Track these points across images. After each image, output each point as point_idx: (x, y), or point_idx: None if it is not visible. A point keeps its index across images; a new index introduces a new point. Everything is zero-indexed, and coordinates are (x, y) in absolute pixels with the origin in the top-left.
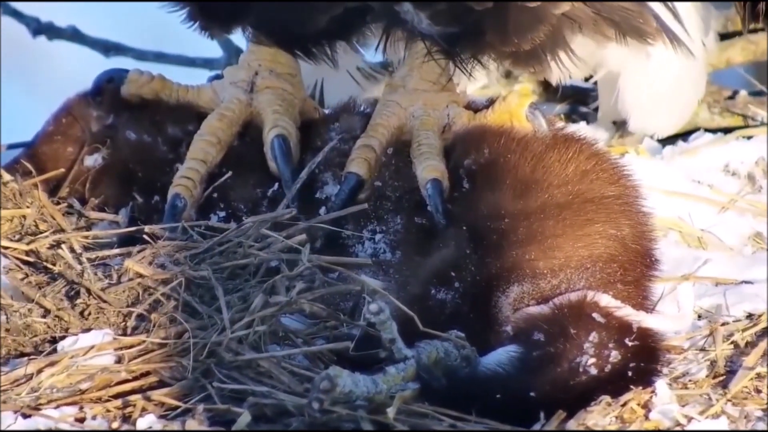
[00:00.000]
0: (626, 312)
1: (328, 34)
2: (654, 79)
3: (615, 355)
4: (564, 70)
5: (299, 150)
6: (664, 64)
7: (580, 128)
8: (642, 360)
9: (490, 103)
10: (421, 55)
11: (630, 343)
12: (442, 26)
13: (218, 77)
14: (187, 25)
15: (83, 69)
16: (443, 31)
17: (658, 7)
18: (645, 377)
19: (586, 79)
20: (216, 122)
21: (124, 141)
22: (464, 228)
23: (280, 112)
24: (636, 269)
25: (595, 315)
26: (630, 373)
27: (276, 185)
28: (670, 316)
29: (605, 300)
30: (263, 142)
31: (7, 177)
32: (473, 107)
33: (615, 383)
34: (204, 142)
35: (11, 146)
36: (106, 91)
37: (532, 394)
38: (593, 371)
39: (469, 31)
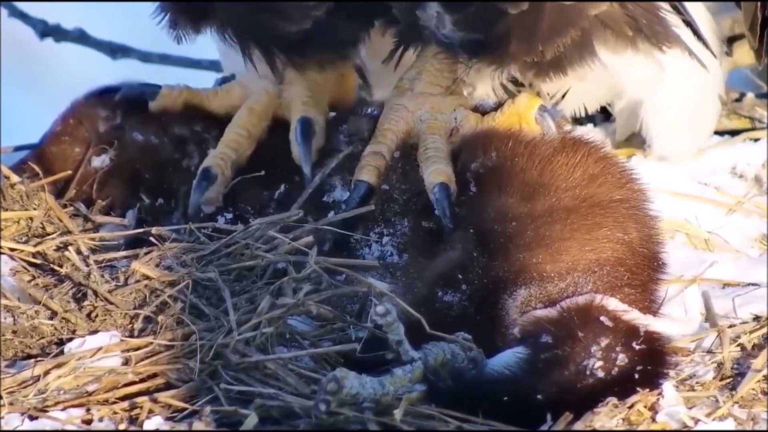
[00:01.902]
0: (633, 315)
1: (308, 44)
2: (677, 106)
3: (622, 359)
4: (581, 99)
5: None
6: (684, 90)
7: (588, 131)
8: (649, 363)
9: (499, 106)
10: (430, 59)
11: (637, 347)
12: (466, 32)
13: (225, 80)
14: (158, 22)
15: (89, 70)
16: (466, 38)
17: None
18: (652, 380)
19: (604, 109)
20: (246, 116)
21: (131, 142)
22: (471, 231)
23: (309, 104)
24: (643, 273)
25: (602, 318)
26: (637, 377)
27: (283, 187)
28: (677, 319)
29: (613, 303)
30: (290, 129)
31: (14, 179)
32: (481, 110)
33: (622, 386)
34: (235, 134)
35: (18, 148)
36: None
37: (538, 396)
38: (600, 374)
39: (493, 39)
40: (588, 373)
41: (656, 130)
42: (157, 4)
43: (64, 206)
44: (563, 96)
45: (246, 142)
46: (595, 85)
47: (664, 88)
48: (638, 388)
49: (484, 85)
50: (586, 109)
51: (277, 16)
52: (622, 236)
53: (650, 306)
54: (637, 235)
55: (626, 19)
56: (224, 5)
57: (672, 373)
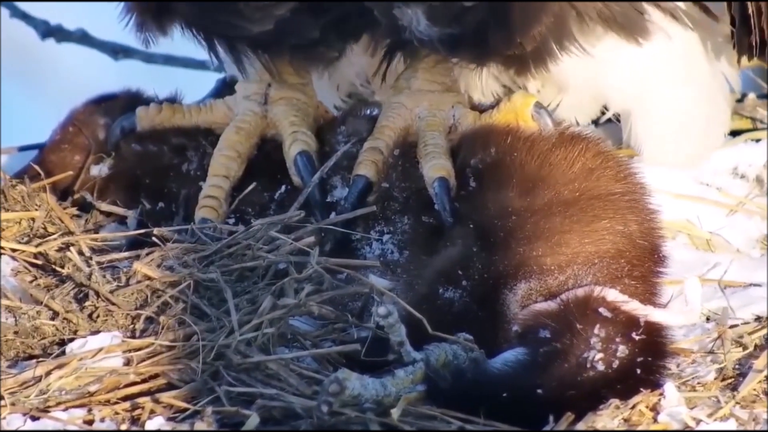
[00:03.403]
0: (633, 306)
1: (273, 44)
2: (665, 115)
3: (622, 350)
4: (572, 110)
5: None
6: (675, 97)
7: (587, 128)
8: (650, 354)
9: (496, 103)
10: (425, 57)
11: (637, 337)
12: (441, 27)
13: (225, 80)
14: (123, 22)
15: (91, 71)
16: (442, 33)
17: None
18: (653, 372)
19: (595, 122)
20: (234, 135)
21: (131, 149)
22: (471, 226)
23: (297, 124)
24: (643, 265)
25: (601, 310)
26: (638, 368)
27: (283, 188)
28: (678, 310)
29: (612, 295)
30: (285, 157)
31: (15, 180)
32: (479, 108)
33: (623, 378)
34: (224, 158)
35: (22, 148)
36: (116, 99)
37: (540, 392)
38: (600, 366)
39: (469, 34)
40: (588, 365)
41: (644, 138)
42: (121, 6)
43: (65, 207)
44: (555, 108)
45: (236, 164)
46: (583, 94)
47: (653, 94)
48: (639, 381)
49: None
50: (578, 123)
51: (237, 17)
52: (621, 228)
53: (651, 298)
54: (637, 227)
55: (599, 8)
56: (184, 4)
57: (674, 372)
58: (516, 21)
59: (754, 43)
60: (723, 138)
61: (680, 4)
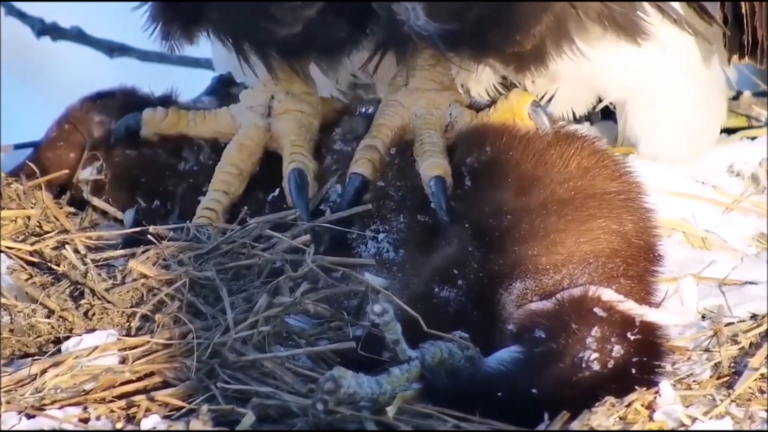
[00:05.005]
0: (628, 306)
1: (302, 47)
2: (662, 108)
3: (618, 350)
4: (567, 101)
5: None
6: (672, 90)
7: (583, 126)
8: (645, 354)
9: (493, 102)
10: (424, 55)
11: (632, 337)
12: (441, 23)
13: (221, 78)
14: (148, 29)
15: (87, 69)
16: (441, 29)
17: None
18: (648, 370)
19: (590, 119)
20: (236, 152)
21: (126, 150)
22: (467, 225)
23: (298, 144)
24: (639, 264)
25: (597, 309)
26: (633, 368)
27: (277, 191)
28: (673, 310)
29: (607, 294)
30: (283, 175)
31: (10, 178)
32: (475, 106)
33: (618, 377)
34: (226, 174)
35: (18, 146)
36: (111, 97)
37: (535, 392)
38: (596, 366)
39: (468, 30)
40: (584, 365)
41: (641, 131)
42: (147, 16)
43: (61, 206)
44: (550, 99)
45: (237, 181)
46: (578, 85)
47: (650, 87)
48: (635, 379)
49: (477, 86)
50: (574, 113)
51: (268, 20)
52: (617, 228)
53: (647, 297)
54: (633, 226)
55: (599, 8)
56: (216, 9)
57: (669, 371)
58: (517, 20)
59: (746, 43)
60: (718, 133)
61: (676, 5)
